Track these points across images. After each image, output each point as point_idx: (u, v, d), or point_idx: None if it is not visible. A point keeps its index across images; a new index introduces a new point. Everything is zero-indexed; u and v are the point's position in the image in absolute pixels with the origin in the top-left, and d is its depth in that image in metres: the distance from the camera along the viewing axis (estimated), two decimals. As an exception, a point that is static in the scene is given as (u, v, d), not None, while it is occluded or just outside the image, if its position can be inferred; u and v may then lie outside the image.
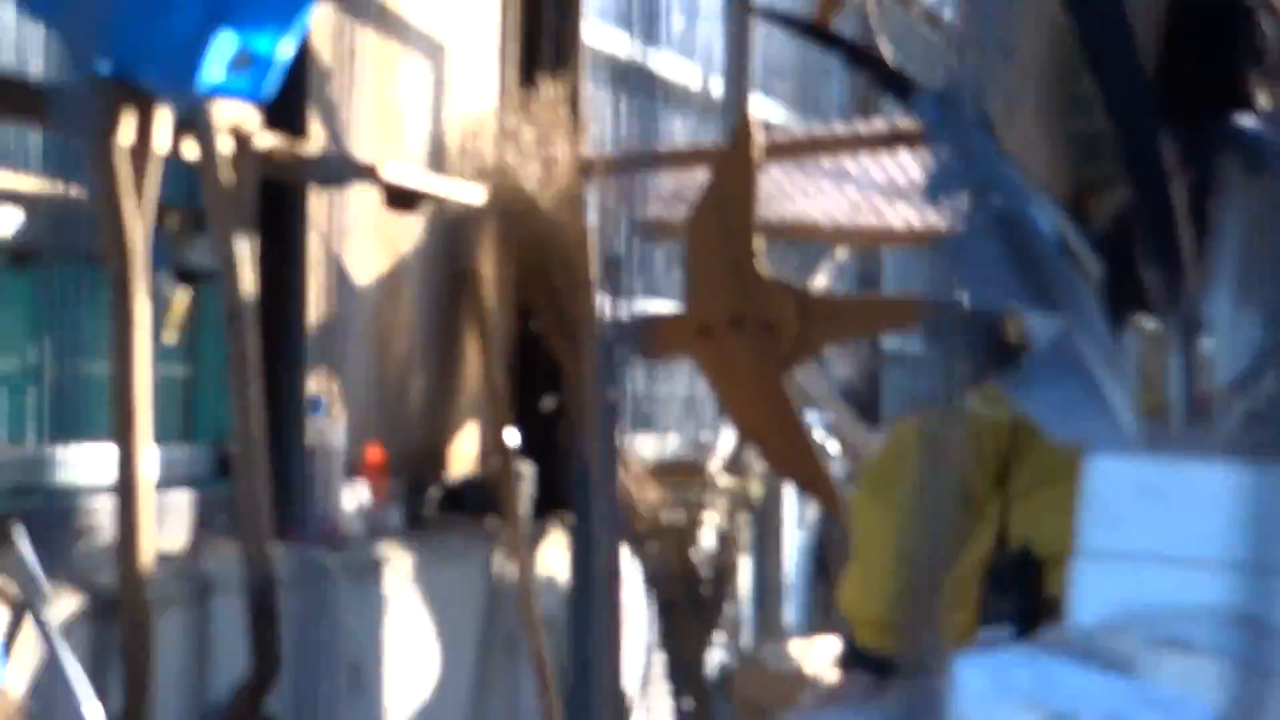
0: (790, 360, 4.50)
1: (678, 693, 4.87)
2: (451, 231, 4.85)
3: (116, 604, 3.43)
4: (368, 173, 4.21)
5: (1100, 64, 2.02)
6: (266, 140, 3.84)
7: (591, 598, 4.57)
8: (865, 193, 5.31)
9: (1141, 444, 1.86)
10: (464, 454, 4.96)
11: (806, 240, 5.93)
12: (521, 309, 5.05)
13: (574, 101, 5.09)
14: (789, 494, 5.67)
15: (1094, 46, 2.00)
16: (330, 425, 4.30)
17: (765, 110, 6.69)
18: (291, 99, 4.10)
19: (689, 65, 6.48)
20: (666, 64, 6.29)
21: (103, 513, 3.73)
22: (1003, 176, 1.96)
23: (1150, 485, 1.82)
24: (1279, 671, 1.57)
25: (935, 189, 1.96)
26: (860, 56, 3.97)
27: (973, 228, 1.91)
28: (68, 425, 3.93)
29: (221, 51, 3.51)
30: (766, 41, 6.77)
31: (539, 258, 4.86)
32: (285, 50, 3.60)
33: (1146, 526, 1.81)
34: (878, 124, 5.15)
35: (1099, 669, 1.55)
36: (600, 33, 5.70)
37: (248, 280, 3.72)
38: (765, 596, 5.54)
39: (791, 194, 5.33)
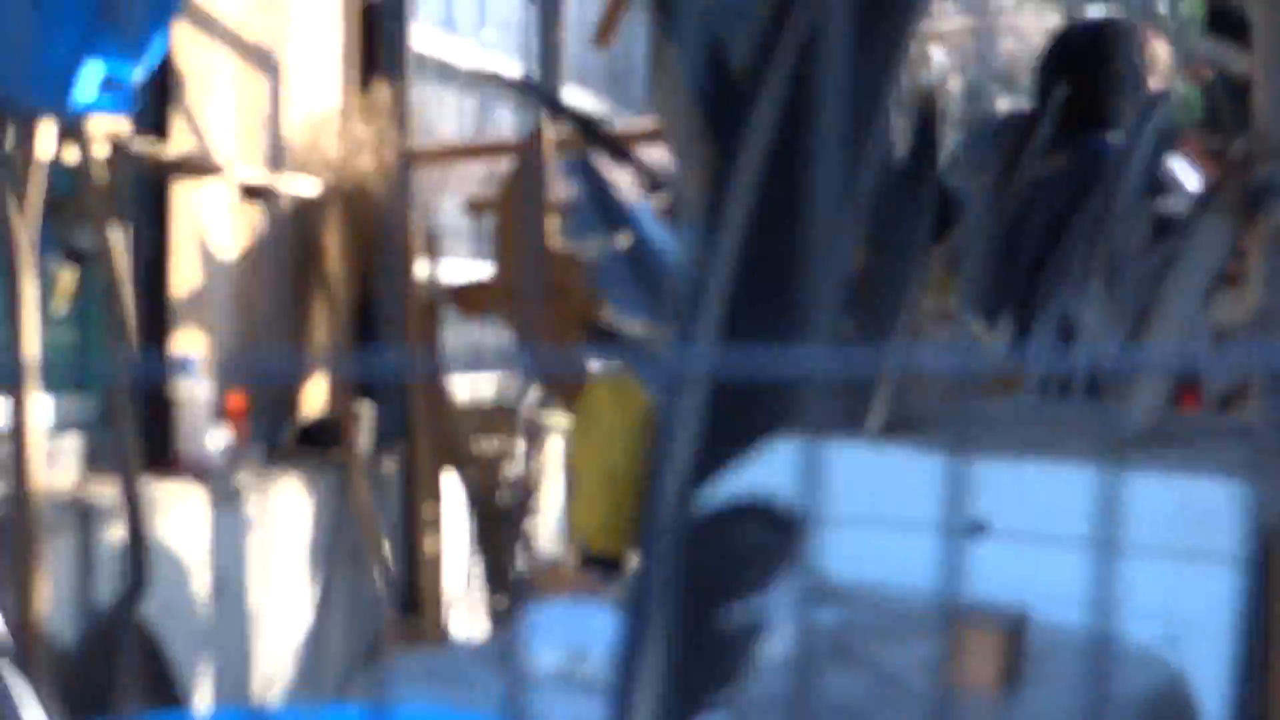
0: (579, 318, 4.79)
1: (492, 592, 5.16)
2: (302, 215, 5.10)
3: (11, 530, 3.67)
4: (219, 170, 4.46)
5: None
6: (136, 144, 4.09)
7: (418, 515, 4.85)
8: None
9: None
10: (314, 398, 5.22)
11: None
12: (362, 277, 5.31)
13: (403, 100, 5.34)
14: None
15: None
16: (197, 377, 4.56)
17: (577, 100, 6.94)
18: (159, 108, 4.35)
19: (511, 60, 6.72)
20: (490, 60, 6.54)
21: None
22: (632, 216, 2.27)
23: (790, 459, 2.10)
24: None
25: (573, 230, 2.27)
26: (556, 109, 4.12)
27: (609, 257, 2.22)
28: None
29: (90, 76, 3.77)
30: (579, 37, 7.02)
31: (375, 234, 5.12)
32: (142, 74, 3.85)
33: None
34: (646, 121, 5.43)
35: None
36: (430, 36, 5.95)
37: (121, 261, 3.97)
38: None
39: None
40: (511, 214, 4.96)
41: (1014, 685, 1.65)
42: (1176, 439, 2.30)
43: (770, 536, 1.23)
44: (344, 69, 5.37)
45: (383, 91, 5.25)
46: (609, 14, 5.37)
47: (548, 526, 5.55)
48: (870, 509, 2.16)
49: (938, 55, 9.38)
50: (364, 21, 5.43)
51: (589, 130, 3.70)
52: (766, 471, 2.12)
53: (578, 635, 1.67)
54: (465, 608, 5.26)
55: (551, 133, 4.95)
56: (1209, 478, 2.06)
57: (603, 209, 2.12)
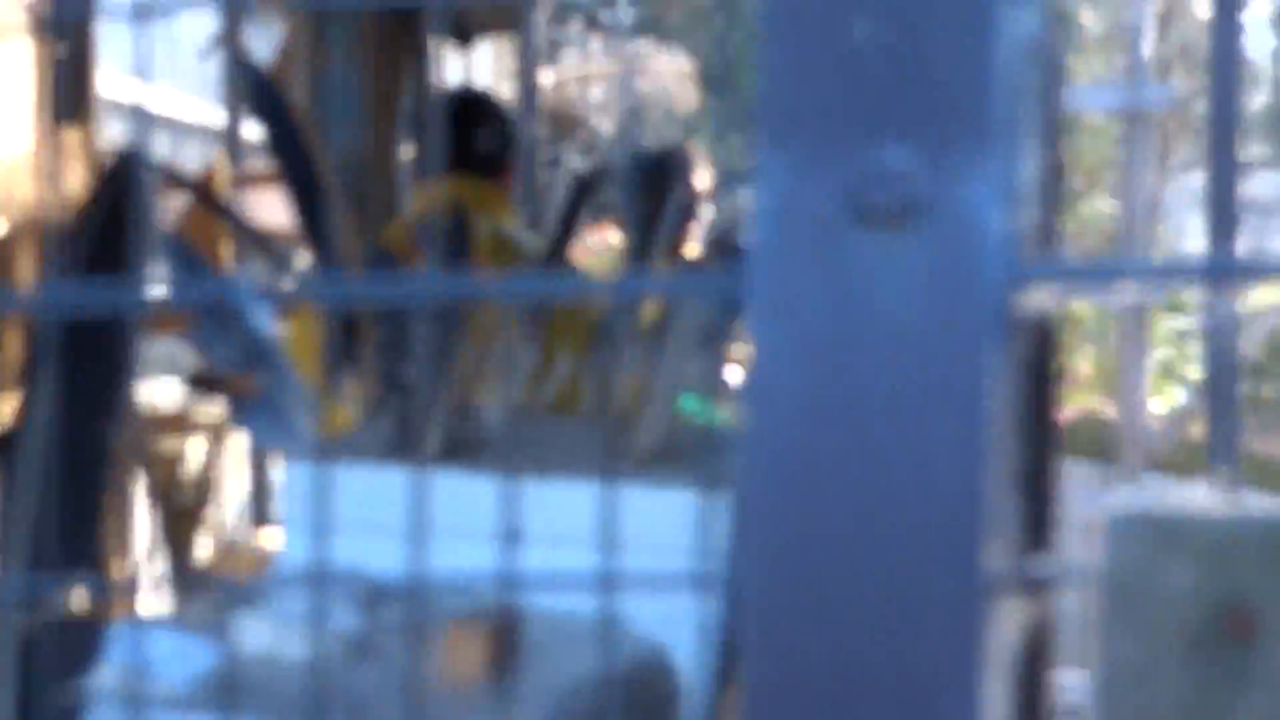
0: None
1: (174, 574, 5.19)
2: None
3: None
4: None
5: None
6: None
7: (101, 509, 4.85)
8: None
9: (316, 455, 2.29)
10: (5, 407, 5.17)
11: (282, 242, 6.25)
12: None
13: (90, 141, 5.31)
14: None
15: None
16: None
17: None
18: None
19: (204, 102, 6.71)
20: (182, 103, 6.52)
21: None
22: (225, 285, 2.37)
23: (320, 481, 2.24)
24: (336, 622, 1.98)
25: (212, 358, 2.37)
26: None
27: (208, 328, 2.33)
28: None
29: None
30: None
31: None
32: None
33: (318, 508, 2.24)
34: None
35: (182, 628, 1.89)
36: (117, 80, 5.92)
37: None
38: (257, 499, 5.90)
39: (269, 207, 5.65)
40: (194, 242, 4.99)
41: (505, 674, 1.81)
42: (680, 455, 2.49)
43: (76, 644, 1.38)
44: (35, 115, 5.31)
45: (73, 135, 5.21)
46: (282, 63, 5.42)
47: (229, 517, 5.59)
48: (422, 522, 2.30)
49: (594, 93, 9.60)
50: (54, 69, 5.37)
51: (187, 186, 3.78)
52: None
53: (139, 654, 1.77)
54: (152, 596, 5.27)
55: (228, 169, 5.01)
56: (691, 488, 2.26)
57: (194, 282, 2.24)
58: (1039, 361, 0.57)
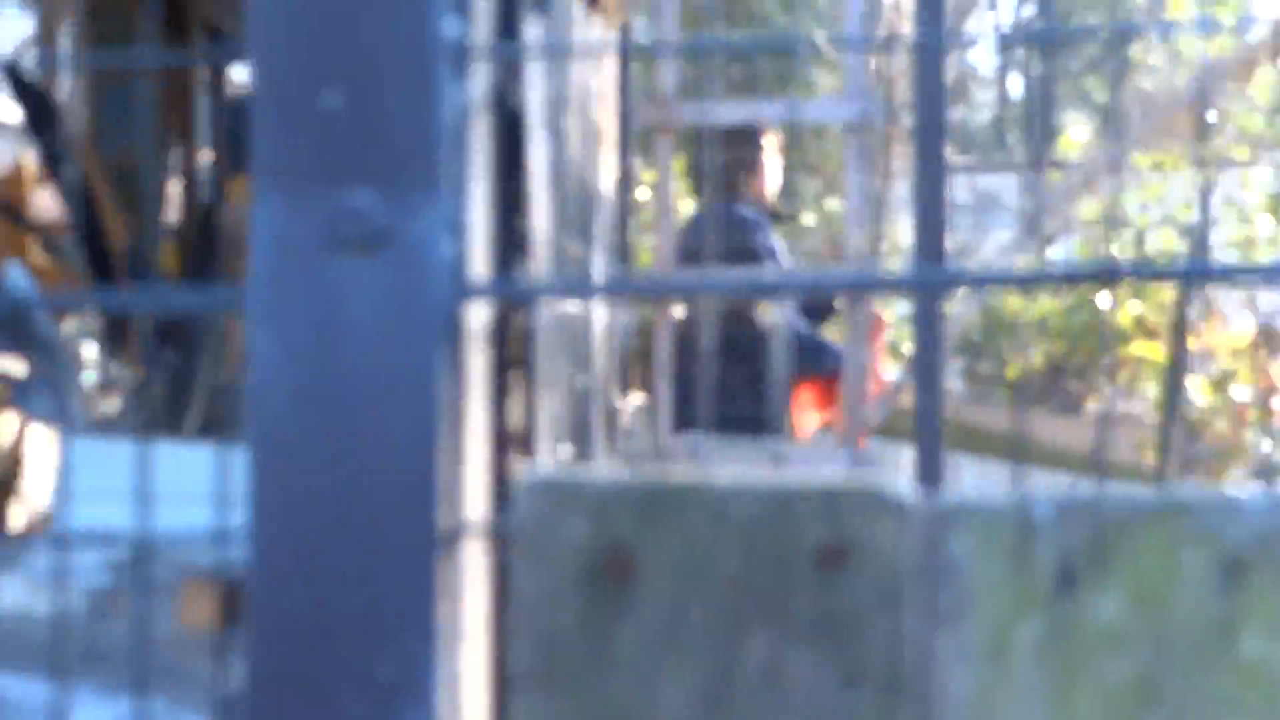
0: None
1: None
2: None
3: None
4: None
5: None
6: None
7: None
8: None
9: (84, 430, 2.29)
10: None
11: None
12: None
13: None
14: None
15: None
16: None
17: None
18: None
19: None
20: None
21: None
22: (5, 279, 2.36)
23: (88, 454, 2.24)
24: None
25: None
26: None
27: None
28: None
29: None
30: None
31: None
32: None
33: (92, 477, 2.23)
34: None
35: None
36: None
37: None
38: (68, 470, 5.78)
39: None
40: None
41: (235, 625, 1.85)
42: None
43: None
44: None
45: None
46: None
47: (40, 488, 5.47)
48: (174, 490, 2.30)
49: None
50: None
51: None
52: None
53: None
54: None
55: (33, 168, 4.89)
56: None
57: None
58: (501, 358, 0.64)
